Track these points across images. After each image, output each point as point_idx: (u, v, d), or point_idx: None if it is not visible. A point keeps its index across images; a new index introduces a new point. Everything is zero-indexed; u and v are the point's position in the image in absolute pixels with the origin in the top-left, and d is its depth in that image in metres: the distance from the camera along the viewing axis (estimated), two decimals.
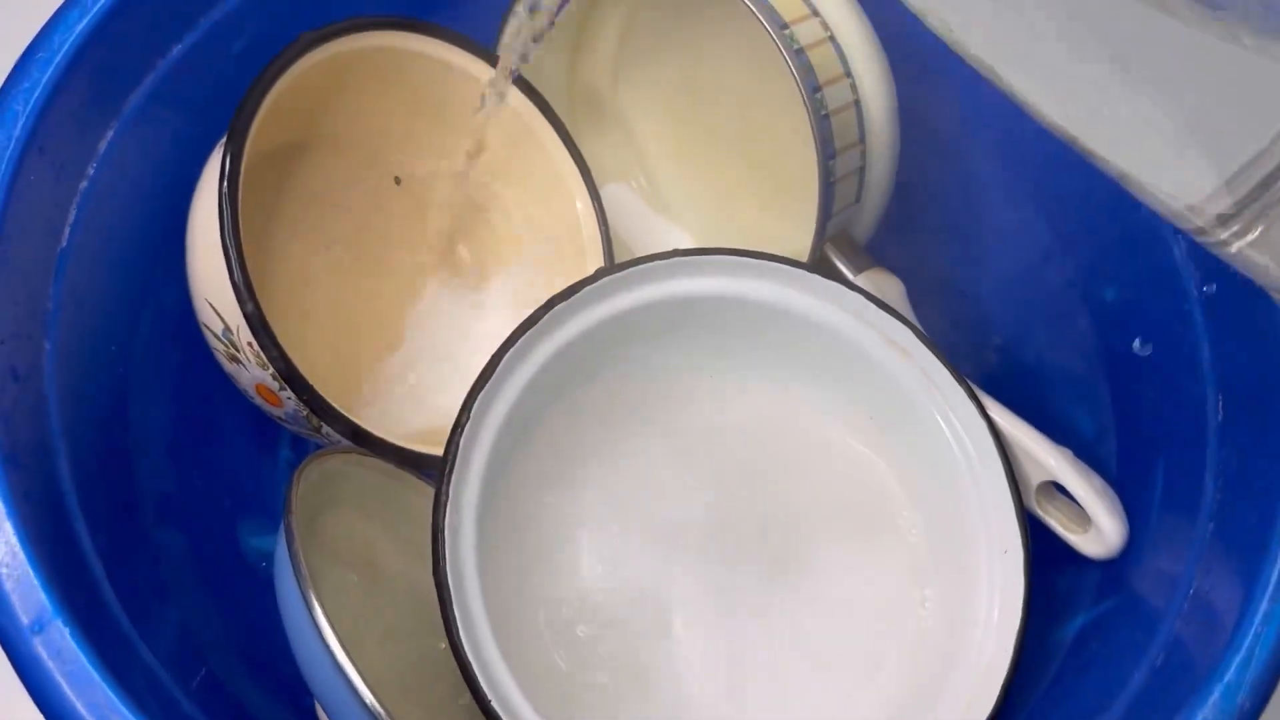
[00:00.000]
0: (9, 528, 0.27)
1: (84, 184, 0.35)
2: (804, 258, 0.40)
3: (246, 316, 0.34)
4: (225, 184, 0.34)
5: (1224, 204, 0.21)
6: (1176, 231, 0.36)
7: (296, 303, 0.41)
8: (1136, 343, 0.38)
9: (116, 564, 0.32)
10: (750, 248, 0.46)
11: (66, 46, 0.33)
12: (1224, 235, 0.21)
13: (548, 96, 0.43)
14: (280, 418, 0.38)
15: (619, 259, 0.45)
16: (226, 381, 0.38)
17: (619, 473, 0.37)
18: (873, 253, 0.43)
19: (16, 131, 0.32)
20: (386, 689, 0.36)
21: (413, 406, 0.40)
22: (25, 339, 0.32)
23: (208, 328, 0.37)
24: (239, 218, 0.34)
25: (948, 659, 0.35)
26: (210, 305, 0.36)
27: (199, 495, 0.39)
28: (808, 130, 0.38)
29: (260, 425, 0.41)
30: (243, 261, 0.34)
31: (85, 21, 0.34)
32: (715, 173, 0.47)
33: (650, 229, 0.48)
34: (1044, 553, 0.37)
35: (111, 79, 0.35)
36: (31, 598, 0.27)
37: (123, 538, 0.34)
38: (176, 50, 0.37)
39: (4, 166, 0.31)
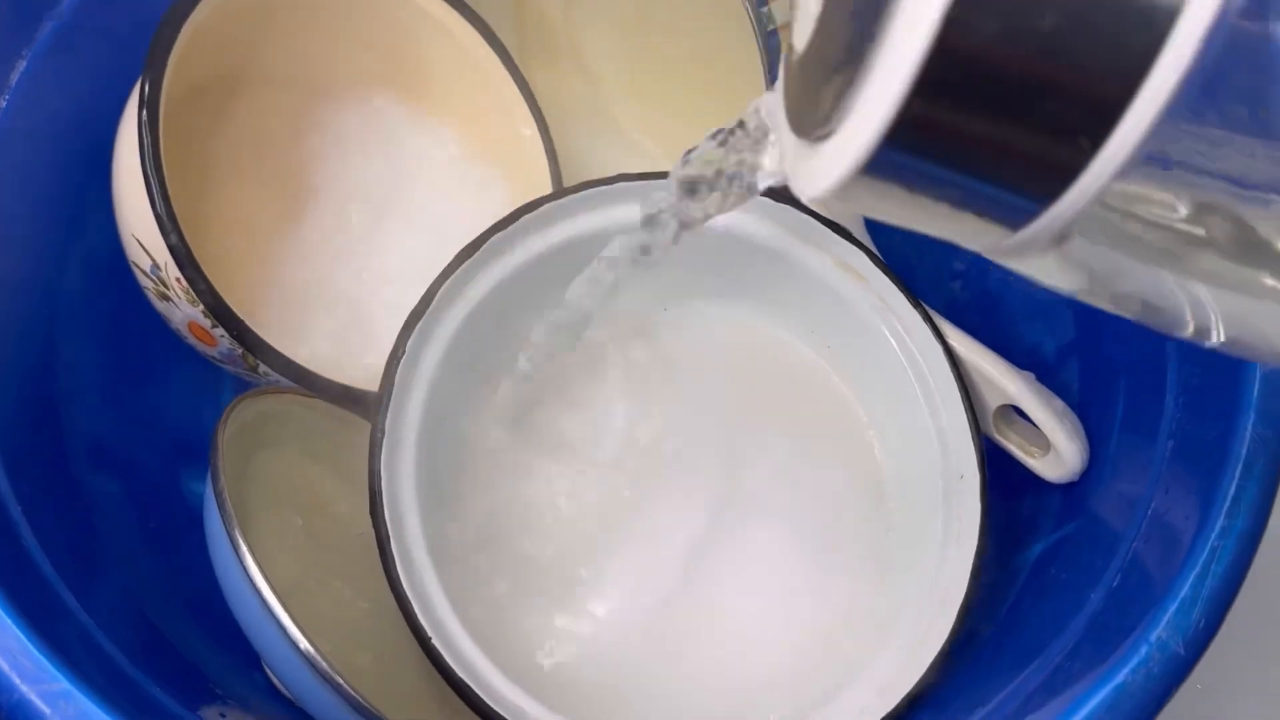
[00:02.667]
0: None
1: None
2: None
3: (171, 249, 0.33)
4: (145, 111, 0.33)
5: None
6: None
7: (236, 244, 0.40)
8: None
9: (45, 519, 0.31)
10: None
11: None
12: None
13: (494, 23, 0.42)
14: (216, 358, 0.37)
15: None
16: (163, 325, 0.37)
17: (569, 403, 0.36)
18: None
19: None
20: (332, 634, 0.35)
21: (358, 347, 0.39)
22: None
23: (137, 265, 0.35)
24: (161, 146, 0.33)
25: (904, 582, 0.34)
26: (137, 241, 0.34)
27: (137, 442, 0.38)
28: (757, 55, 0.36)
29: (202, 370, 0.40)
30: (165, 191, 0.32)
31: None
32: (669, 97, 0.46)
33: (605, 156, 0.47)
34: (1005, 480, 0.36)
35: (24, 4, 0.34)
36: None
37: (53, 492, 0.32)
38: None
39: None
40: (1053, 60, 0.16)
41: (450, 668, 0.29)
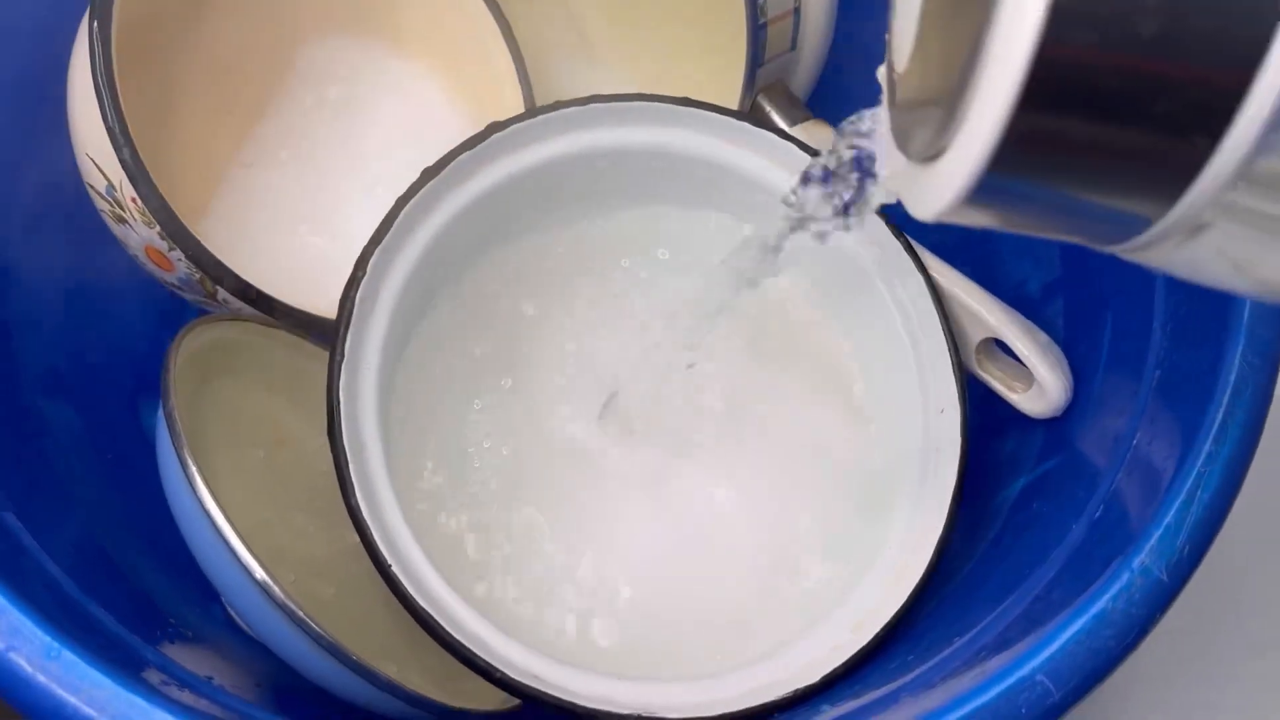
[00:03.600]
0: None
1: None
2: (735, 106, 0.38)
3: (123, 164, 0.31)
4: (96, 21, 0.31)
5: None
6: None
7: (195, 173, 0.39)
8: None
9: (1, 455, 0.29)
10: (674, 91, 0.44)
11: None
12: None
13: None
14: (175, 285, 0.35)
15: None
16: (122, 254, 0.36)
17: (541, 332, 0.35)
18: (811, 98, 0.40)
19: None
20: (294, 567, 0.34)
21: (320, 275, 0.38)
22: None
23: (92, 187, 0.34)
24: (114, 60, 0.31)
25: (884, 516, 0.33)
26: (91, 160, 0.33)
27: (94, 372, 0.37)
28: None
29: (162, 300, 0.39)
30: (118, 105, 0.31)
31: None
32: (649, 30, 0.44)
33: (583, 89, 0.46)
34: (988, 418, 0.35)
35: None
36: None
37: (6, 420, 0.31)
38: None
39: None
40: (1159, 58, 0.16)
41: (410, 595, 0.28)
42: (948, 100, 0.17)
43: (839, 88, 0.41)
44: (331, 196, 0.40)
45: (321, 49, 0.41)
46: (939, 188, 0.18)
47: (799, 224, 0.26)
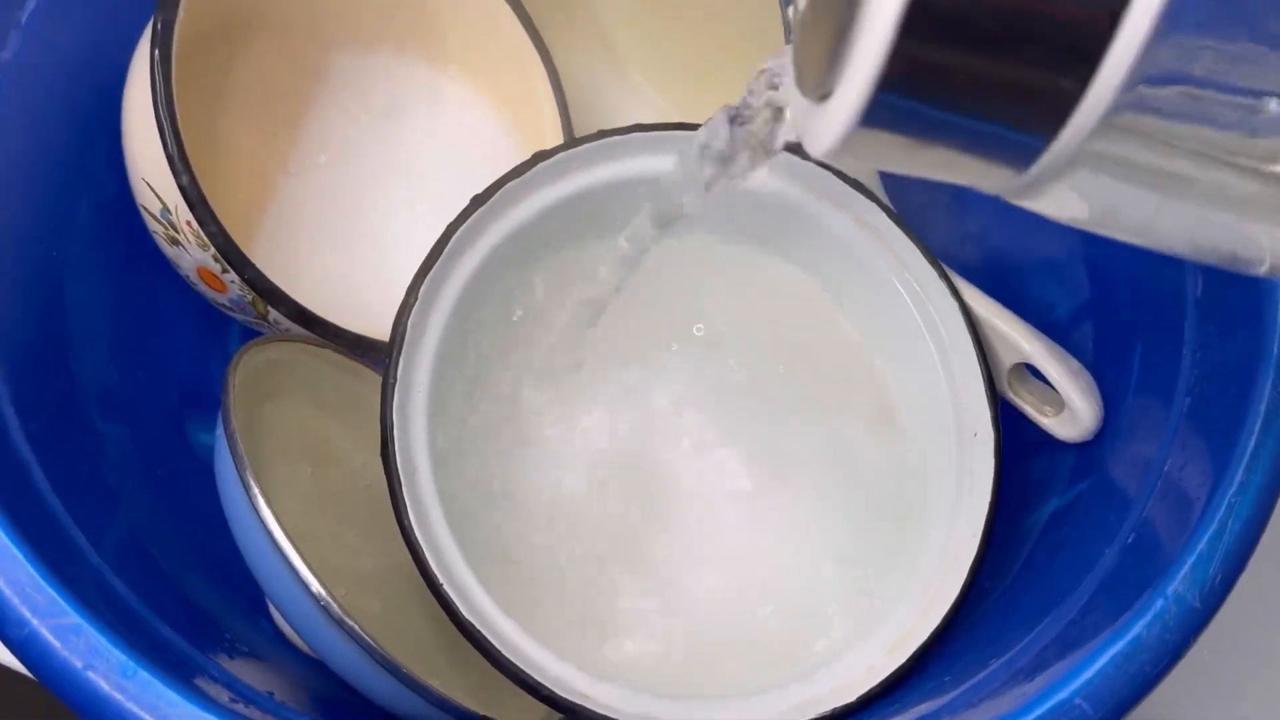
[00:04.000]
0: None
1: (5, 54, 0.33)
2: None
3: (182, 190, 0.32)
4: (157, 51, 0.32)
5: None
6: None
7: (246, 193, 0.40)
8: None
9: (55, 460, 0.30)
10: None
11: None
12: None
13: None
14: (226, 305, 0.36)
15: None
16: (172, 272, 0.37)
17: (584, 352, 0.36)
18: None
19: None
20: (342, 580, 0.35)
21: (370, 294, 0.39)
22: None
23: (146, 210, 0.35)
24: (173, 87, 0.32)
25: (917, 539, 0.34)
26: (147, 184, 0.34)
27: (144, 390, 0.38)
28: (775, 9, 0.36)
29: (208, 318, 0.40)
30: (177, 132, 0.32)
31: None
32: (685, 55, 0.45)
33: (620, 113, 0.46)
34: (1019, 439, 0.36)
35: None
36: None
37: (63, 437, 0.32)
38: None
39: None
40: None
41: (462, 615, 0.29)
42: (835, 38, 0.18)
43: None
44: (376, 212, 0.41)
45: (365, 65, 0.42)
46: (829, 123, 0.19)
47: (719, 161, 0.26)
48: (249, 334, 0.41)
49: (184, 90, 0.33)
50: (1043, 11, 0.16)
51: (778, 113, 0.25)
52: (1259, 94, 0.19)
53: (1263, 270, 0.22)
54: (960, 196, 0.44)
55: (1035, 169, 0.18)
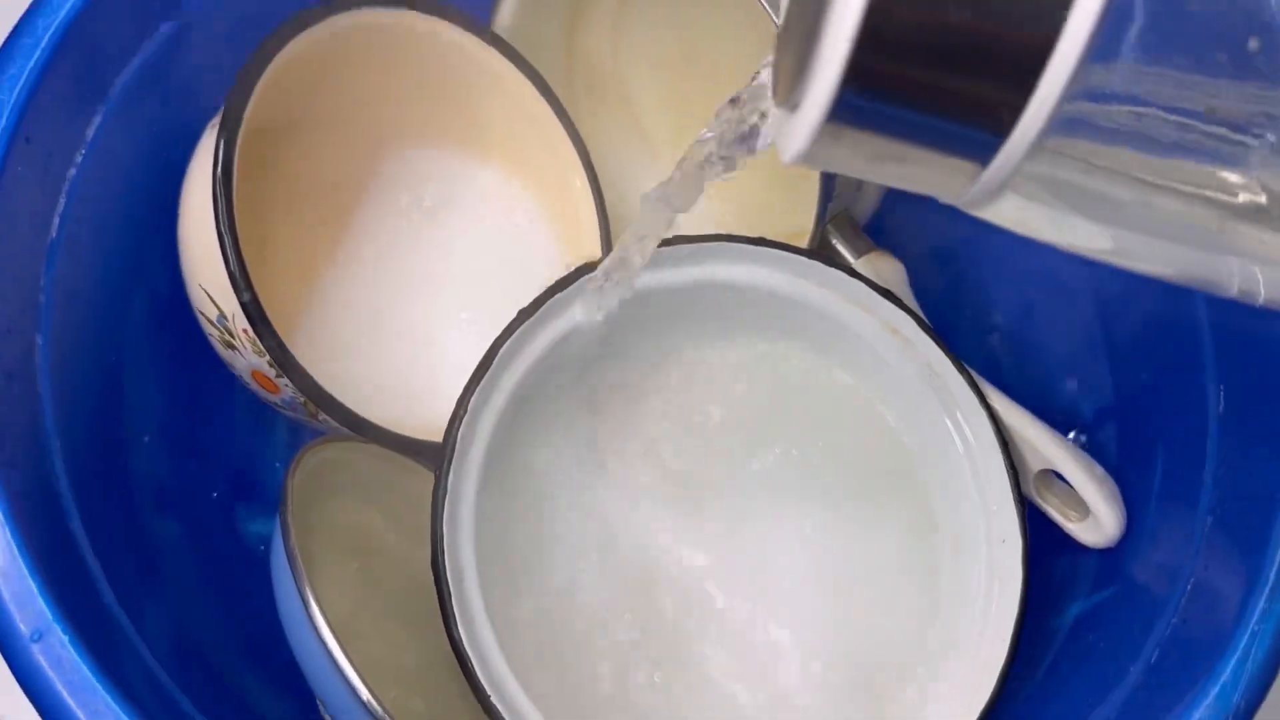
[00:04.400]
0: (6, 534, 0.27)
1: (72, 171, 0.34)
2: (804, 235, 0.40)
3: (243, 305, 0.34)
4: (219, 170, 0.33)
5: None
6: None
7: (290, 284, 0.41)
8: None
9: (113, 560, 0.32)
10: (751, 222, 0.46)
11: (52, 30, 0.32)
12: None
13: (544, 63, 0.42)
14: (276, 404, 0.37)
15: (618, 229, 0.45)
16: (220, 363, 0.38)
17: (626, 463, 0.37)
18: (872, 223, 0.42)
19: (2, 122, 0.31)
20: (385, 678, 0.36)
21: (412, 390, 0.40)
22: (17, 336, 0.31)
23: (202, 313, 0.36)
24: (234, 205, 0.33)
25: (948, 641, 0.35)
26: (204, 291, 0.35)
27: (195, 481, 0.39)
28: None
29: (256, 406, 0.41)
30: (239, 250, 0.33)
31: (70, 5, 0.33)
32: None
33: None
34: (1041, 538, 0.37)
35: (99, 62, 0.35)
36: (30, 606, 0.27)
37: (119, 532, 0.33)
38: (165, 29, 0.36)
39: None
40: (971, 20, 0.18)
41: None
42: (803, 54, 0.20)
43: (898, 214, 0.43)
44: (421, 306, 0.42)
45: (409, 159, 0.43)
46: (796, 131, 0.20)
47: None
48: (296, 423, 0.42)
49: (236, 186, 0.34)
50: (985, 32, 0.18)
51: (750, 131, 0.27)
52: (1213, 121, 0.21)
53: (1233, 293, 0.23)
54: (985, 292, 0.45)
55: (982, 179, 0.20)
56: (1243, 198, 0.22)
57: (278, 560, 0.32)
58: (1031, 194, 0.21)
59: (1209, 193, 0.22)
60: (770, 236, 0.46)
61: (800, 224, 0.42)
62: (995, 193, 0.20)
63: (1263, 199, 0.21)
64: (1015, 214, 0.22)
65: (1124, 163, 0.21)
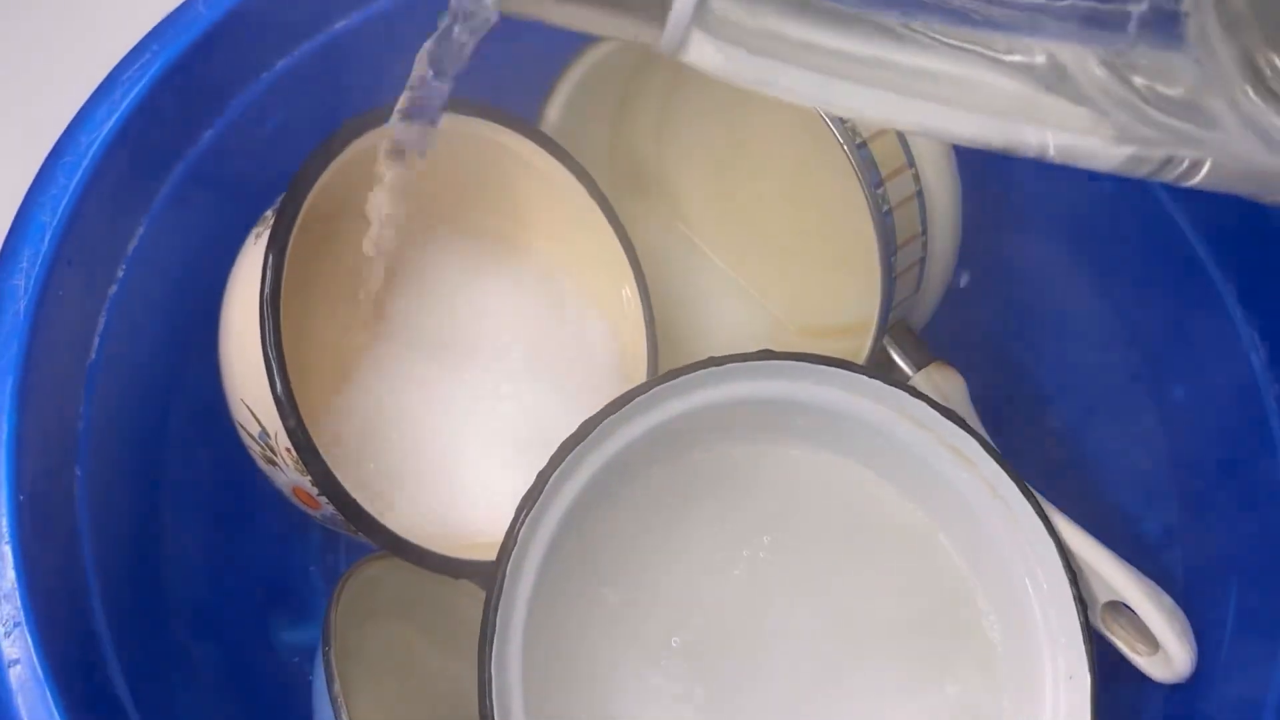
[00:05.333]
0: (45, 692, 0.26)
1: (113, 289, 0.33)
2: (857, 330, 0.39)
3: (288, 431, 0.33)
4: (266, 289, 0.33)
5: None
6: (1255, 337, 0.35)
7: (330, 387, 0.40)
8: None
9: (147, 694, 0.31)
10: (797, 314, 0.45)
11: (95, 147, 0.32)
12: None
13: (589, 157, 0.41)
14: (317, 518, 0.36)
15: (666, 322, 0.44)
16: (257, 472, 0.37)
17: (673, 596, 0.36)
18: (930, 330, 0.41)
19: (44, 247, 0.30)
20: None
21: (456, 502, 0.39)
22: (55, 473, 0.30)
23: (243, 427, 0.35)
24: (282, 329, 0.32)
25: None
26: (247, 407, 0.34)
27: (232, 596, 0.38)
28: (861, 204, 0.36)
29: (294, 517, 0.40)
30: (286, 375, 0.32)
31: (114, 119, 0.32)
32: (763, 237, 0.45)
33: (698, 292, 0.47)
34: (1105, 669, 0.36)
35: (142, 174, 0.34)
36: None
37: (156, 667, 0.32)
38: (207, 136, 0.36)
39: (31, 288, 0.30)
40: None
41: None
42: None
43: (956, 320, 0.42)
44: (461, 410, 0.41)
45: (449, 252, 0.42)
46: None
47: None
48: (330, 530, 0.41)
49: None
50: None
51: None
52: None
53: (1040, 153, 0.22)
54: (1043, 399, 0.44)
55: (670, 20, 0.20)
56: (1015, 58, 0.21)
57: (320, 700, 0.31)
58: (738, 40, 0.21)
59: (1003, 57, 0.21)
60: (811, 328, 0.46)
61: (851, 312, 0.41)
62: (683, 33, 0.21)
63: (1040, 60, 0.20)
64: (724, 64, 0.22)
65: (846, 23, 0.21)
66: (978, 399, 0.39)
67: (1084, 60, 0.21)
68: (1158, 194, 0.37)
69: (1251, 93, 0.19)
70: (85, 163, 0.32)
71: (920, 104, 0.22)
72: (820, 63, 0.22)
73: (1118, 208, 0.38)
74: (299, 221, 0.34)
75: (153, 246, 0.35)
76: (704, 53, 0.21)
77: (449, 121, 0.38)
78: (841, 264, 0.43)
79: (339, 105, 0.36)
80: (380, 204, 0.33)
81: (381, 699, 0.36)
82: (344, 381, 0.40)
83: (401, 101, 0.28)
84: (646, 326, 0.41)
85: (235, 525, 0.39)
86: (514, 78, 0.40)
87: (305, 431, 0.32)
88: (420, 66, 0.27)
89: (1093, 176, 0.38)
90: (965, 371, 0.39)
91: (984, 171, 0.39)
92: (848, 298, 0.43)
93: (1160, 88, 0.20)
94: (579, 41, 0.40)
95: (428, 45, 0.26)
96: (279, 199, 0.34)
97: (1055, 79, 0.21)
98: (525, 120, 0.40)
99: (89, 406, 0.32)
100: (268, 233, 0.33)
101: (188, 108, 0.35)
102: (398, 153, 0.30)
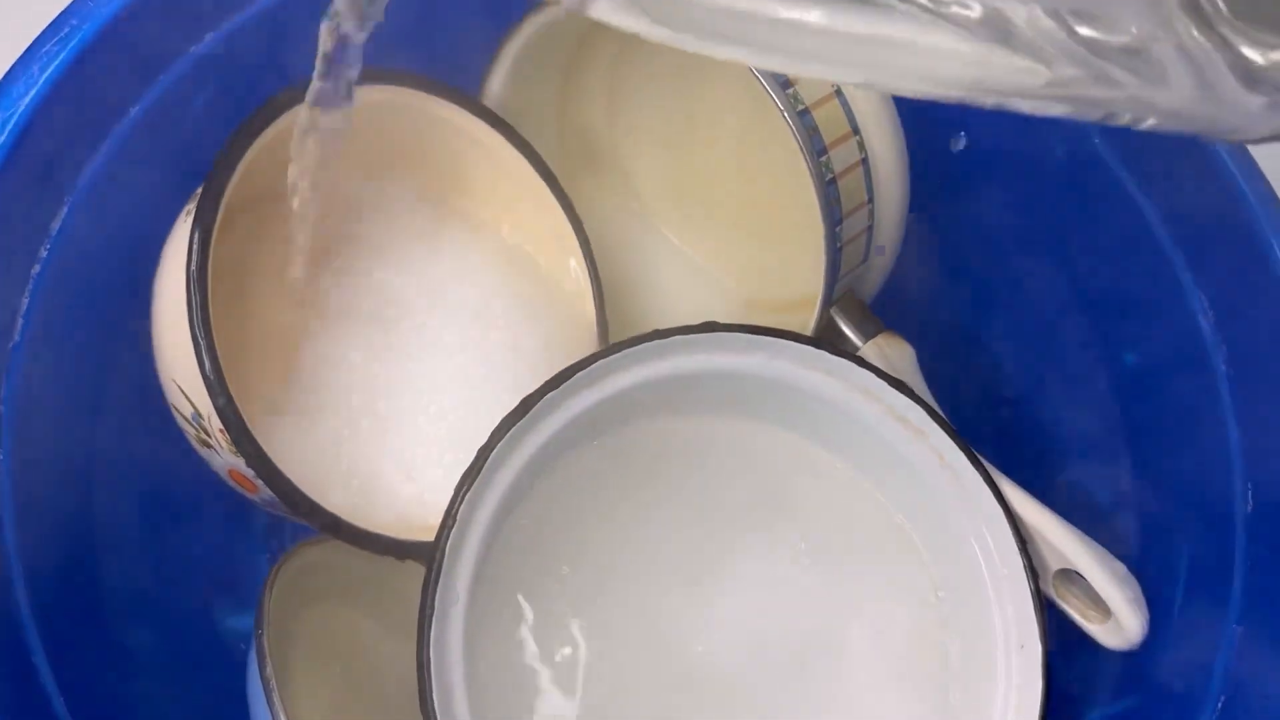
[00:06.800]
0: None
1: (36, 268, 0.32)
2: (810, 303, 0.38)
3: (219, 410, 0.32)
4: (193, 266, 0.32)
5: None
6: (1204, 302, 0.35)
7: (267, 368, 0.39)
8: None
9: (80, 687, 0.30)
10: (750, 285, 0.45)
11: (12, 125, 0.31)
12: None
13: (537, 135, 0.41)
14: (256, 502, 0.36)
15: (618, 298, 0.43)
16: (197, 457, 0.36)
17: (611, 565, 0.35)
18: (880, 300, 0.41)
19: None
20: None
21: (400, 482, 0.38)
22: None
23: (177, 410, 0.34)
24: (209, 304, 0.32)
25: None
26: (178, 387, 0.34)
27: (174, 584, 0.37)
28: (808, 177, 0.35)
29: (233, 498, 0.39)
30: (214, 353, 0.31)
31: (32, 94, 0.31)
32: (716, 211, 0.45)
33: (651, 267, 0.46)
34: (1060, 636, 0.36)
35: (64, 153, 0.33)
36: None
37: (88, 653, 0.32)
38: (134, 112, 0.35)
39: None
40: None
41: None
42: None
43: (907, 292, 0.41)
44: (406, 389, 0.40)
45: (398, 238, 0.41)
46: None
47: None
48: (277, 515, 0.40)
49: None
50: None
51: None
52: None
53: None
54: (996, 368, 0.43)
55: None
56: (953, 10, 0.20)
57: (254, 688, 0.30)
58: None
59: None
60: (763, 301, 0.45)
61: (800, 285, 0.40)
62: None
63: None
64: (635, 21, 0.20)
65: None
66: (931, 370, 0.38)
67: (1030, 9, 0.20)
68: (1108, 161, 0.37)
69: (1195, 31, 0.19)
70: (2, 142, 0.31)
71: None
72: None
73: (1069, 175, 0.38)
74: (228, 200, 0.33)
75: (79, 226, 0.34)
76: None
77: (390, 94, 0.38)
78: (793, 237, 0.42)
79: (275, 81, 0.35)
80: (298, 181, 0.32)
81: (325, 684, 0.36)
82: (281, 362, 0.39)
83: (316, 70, 0.27)
84: (595, 300, 0.40)
85: (176, 512, 0.38)
86: (453, 50, 0.40)
87: (236, 410, 0.31)
88: (328, 31, 0.26)
89: (1044, 143, 0.38)
90: (918, 343, 0.39)
91: (932, 140, 0.39)
92: (800, 270, 0.42)
93: (1105, 35, 0.20)
94: (518, 11, 0.39)
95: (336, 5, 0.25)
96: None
97: (998, 31, 0.20)
98: (466, 93, 0.39)
99: (11, 390, 0.31)
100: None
101: (111, 83, 0.34)
102: (313, 129, 0.30)
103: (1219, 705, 0.30)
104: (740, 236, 0.45)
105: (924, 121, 0.38)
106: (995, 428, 0.42)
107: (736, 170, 0.44)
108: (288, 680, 0.33)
